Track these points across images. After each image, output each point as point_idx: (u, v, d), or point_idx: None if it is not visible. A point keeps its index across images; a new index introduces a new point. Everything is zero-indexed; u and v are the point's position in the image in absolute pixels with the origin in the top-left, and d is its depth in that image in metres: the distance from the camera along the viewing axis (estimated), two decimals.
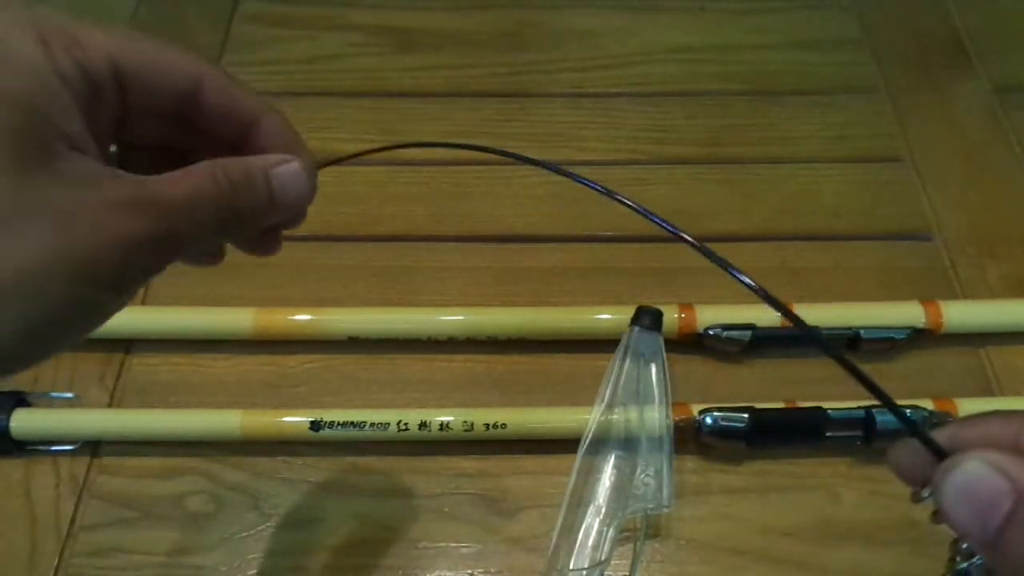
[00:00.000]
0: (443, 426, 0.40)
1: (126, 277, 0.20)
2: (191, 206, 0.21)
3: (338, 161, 0.27)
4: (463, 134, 0.55)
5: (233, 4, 0.62)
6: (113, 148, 0.22)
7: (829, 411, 0.40)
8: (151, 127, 0.22)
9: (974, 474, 0.19)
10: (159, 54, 0.21)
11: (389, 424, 0.40)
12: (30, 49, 0.18)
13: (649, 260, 0.49)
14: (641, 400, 0.39)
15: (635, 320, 0.41)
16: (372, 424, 0.40)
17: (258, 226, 0.24)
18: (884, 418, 0.39)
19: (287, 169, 0.23)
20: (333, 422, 0.40)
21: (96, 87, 0.19)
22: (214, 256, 0.26)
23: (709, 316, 0.43)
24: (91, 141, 0.19)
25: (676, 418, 0.40)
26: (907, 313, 0.44)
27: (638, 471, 0.38)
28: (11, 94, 0.18)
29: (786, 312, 0.20)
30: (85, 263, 0.19)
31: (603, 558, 0.37)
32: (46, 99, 0.18)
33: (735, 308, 0.44)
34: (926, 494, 0.22)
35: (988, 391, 0.44)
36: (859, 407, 0.40)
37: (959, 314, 0.44)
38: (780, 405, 0.41)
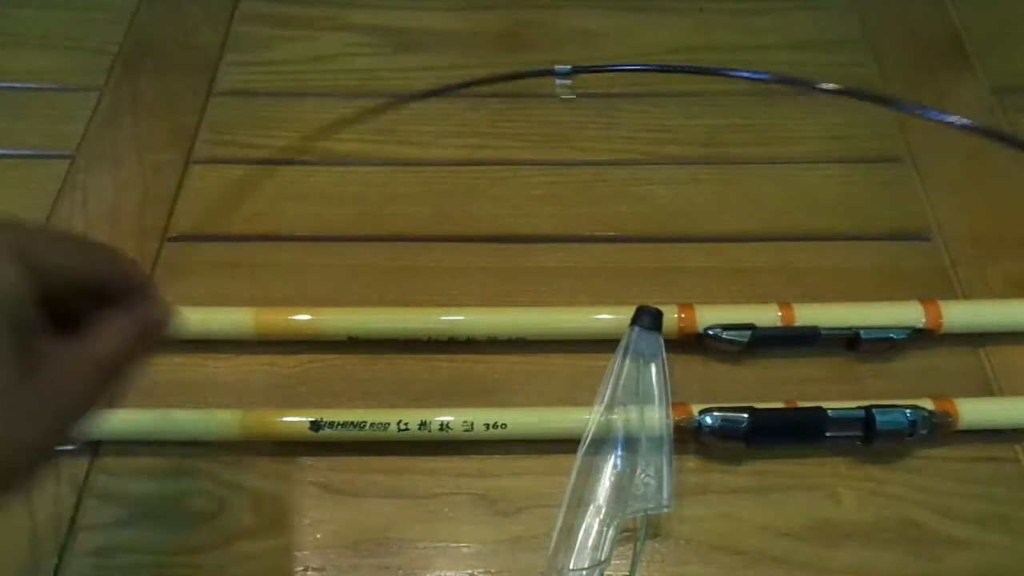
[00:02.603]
0: (443, 426, 0.40)
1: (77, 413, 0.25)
2: (117, 353, 0.26)
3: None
4: (463, 134, 0.55)
5: (233, 4, 0.62)
6: None
7: (829, 411, 0.40)
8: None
9: None
10: (80, 254, 0.26)
11: (389, 424, 0.40)
12: (9, 267, 0.23)
13: (649, 260, 0.49)
14: (641, 400, 0.39)
15: (635, 320, 0.41)
16: (372, 424, 0.40)
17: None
18: (884, 418, 0.39)
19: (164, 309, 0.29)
20: (333, 422, 0.40)
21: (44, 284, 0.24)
22: None
23: (709, 316, 0.43)
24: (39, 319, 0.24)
25: (676, 418, 0.40)
26: (907, 313, 0.44)
27: (638, 471, 0.38)
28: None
29: None
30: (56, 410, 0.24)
31: (603, 558, 0.37)
32: (24, 303, 0.23)
33: (735, 308, 0.44)
34: None
35: (988, 391, 0.44)
36: (859, 407, 0.40)
37: (959, 314, 0.44)
38: (780, 405, 0.41)
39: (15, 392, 0.23)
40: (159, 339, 0.29)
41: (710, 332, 0.43)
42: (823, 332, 0.43)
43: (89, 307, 0.26)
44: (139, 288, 0.28)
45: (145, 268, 0.47)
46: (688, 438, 0.41)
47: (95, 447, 0.41)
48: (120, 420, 0.41)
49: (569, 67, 0.26)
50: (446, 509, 0.40)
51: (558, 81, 0.26)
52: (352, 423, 0.40)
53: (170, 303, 0.29)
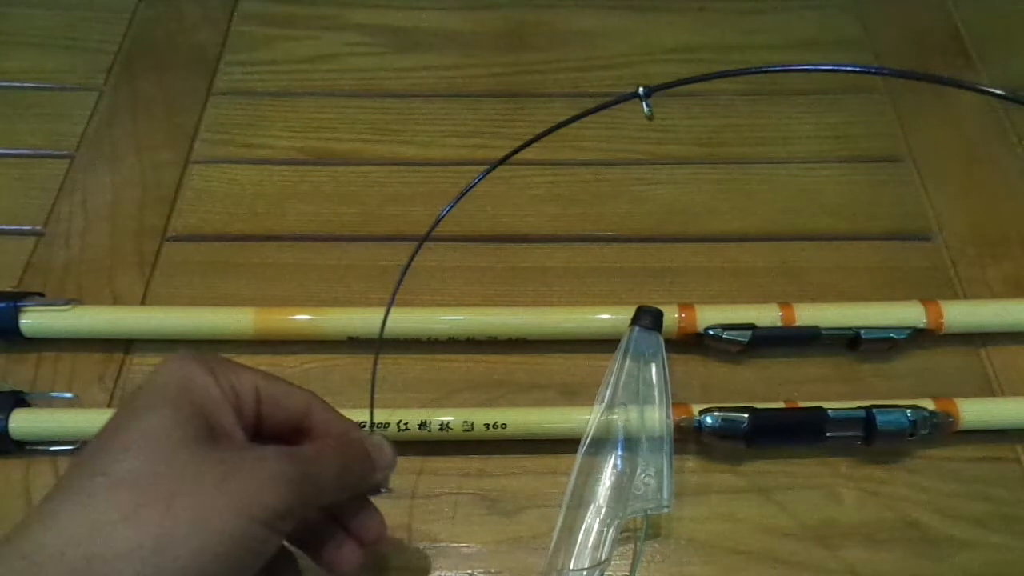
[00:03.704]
0: (443, 426, 0.40)
1: (279, 514, 0.26)
2: (321, 460, 0.28)
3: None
4: (463, 134, 0.55)
5: (233, 4, 0.62)
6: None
7: (829, 411, 0.40)
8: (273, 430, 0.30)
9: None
10: (285, 387, 0.30)
11: (389, 424, 0.39)
12: (204, 379, 0.27)
13: (649, 260, 0.49)
14: (641, 400, 0.39)
15: (635, 320, 0.41)
16: (372, 424, 0.39)
17: (362, 487, 0.31)
18: (884, 418, 0.39)
19: (376, 438, 0.32)
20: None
21: (242, 401, 0.28)
22: None
23: (709, 316, 0.43)
24: (240, 432, 0.28)
25: (676, 418, 0.40)
26: (908, 313, 0.44)
27: (638, 471, 0.38)
28: (193, 404, 0.26)
29: None
30: (248, 503, 0.25)
31: (603, 558, 0.37)
32: (213, 406, 0.27)
33: (735, 308, 0.44)
34: None
35: (988, 391, 0.44)
36: (859, 407, 0.40)
37: (960, 314, 0.44)
38: (780, 405, 0.41)
39: (202, 473, 0.24)
40: (368, 471, 0.30)
41: (710, 332, 0.43)
42: (823, 332, 0.43)
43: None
44: (347, 428, 0.31)
45: (145, 268, 0.47)
46: (688, 438, 0.41)
47: None
48: None
49: (644, 89, 0.26)
50: (446, 509, 0.39)
51: (644, 105, 0.27)
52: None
53: (389, 450, 0.31)
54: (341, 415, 0.31)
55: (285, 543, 0.30)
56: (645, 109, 0.26)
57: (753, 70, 0.28)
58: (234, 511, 0.24)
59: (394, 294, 0.34)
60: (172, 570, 0.23)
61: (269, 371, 0.30)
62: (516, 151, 0.30)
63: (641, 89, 0.26)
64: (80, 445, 0.40)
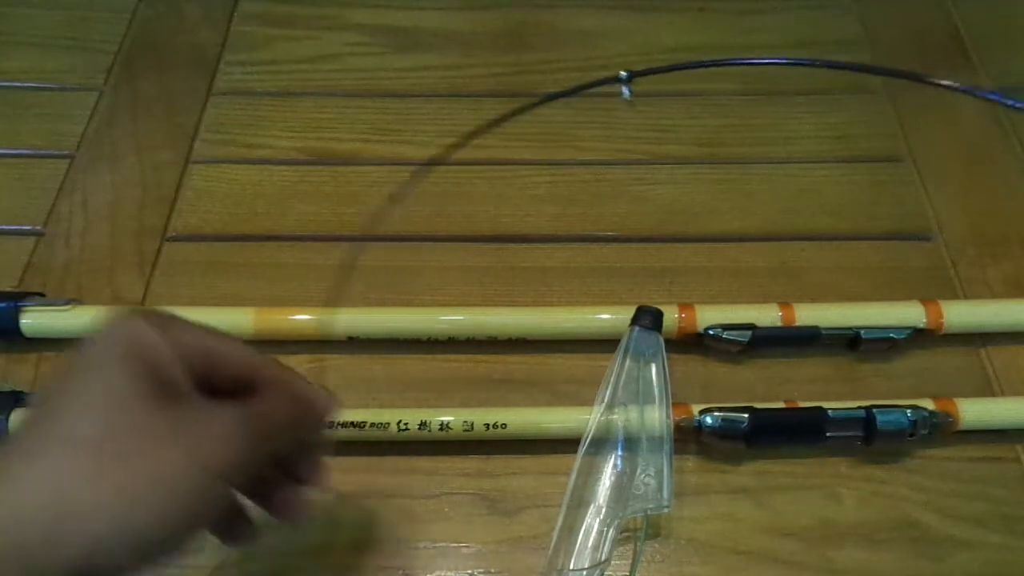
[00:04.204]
0: (443, 426, 0.40)
1: (233, 467, 0.26)
2: (270, 412, 0.29)
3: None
4: (463, 134, 0.54)
5: (233, 4, 0.62)
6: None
7: (829, 411, 0.40)
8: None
9: None
10: (230, 342, 0.29)
11: (389, 424, 0.39)
12: (153, 337, 0.26)
13: (649, 260, 0.49)
14: (641, 400, 0.39)
15: (635, 320, 0.41)
16: (372, 424, 0.39)
17: (307, 436, 0.32)
18: (885, 418, 0.39)
19: (316, 387, 0.31)
20: (333, 422, 0.39)
21: (191, 357, 0.27)
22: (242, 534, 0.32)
23: (709, 316, 0.43)
24: (190, 388, 0.27)
25: (676, 418, 0.40)
26: (908, 313, 0.44)
27: (638, 471, 0.38)
28: (143, 360, 0.26)
29: None
30: (204, 457, 0.25)
31: (603, 558, 0.37)
32: (163, 362, 0.26)
33: (735, 308, 0.44)
34: None
35: (988, 391, 0.44)
36: (859, 407, 0.40)
37: (960, 314, 0.44)
38: (780, 405, 0.41)
39: (157, 430, 0.25)
40: (314, 420, 0.31)
41: (710, 332, 0.43)
42: (823, 332, 0.43)
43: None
44: (290, 377, 0.31)
45: (145, 268, 0.47)
46: (688, 438, 0.40)
47: None
48: None
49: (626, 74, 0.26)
50: (446, 509, 0.39)
51: (624, 89, 0.27)
52: (352, 423, 0.39)
53: (330, 393, 0.31)
54: (286, 368, 0.31)
55: (234, 493, 0.31)
56: (625, 92, 0.26)
57: (736, 61, 0.28)
58: (191, 465, 0.25)
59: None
60: (135, 527, 0.24)
61: None
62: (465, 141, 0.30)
63: (623, 73, 0.27)
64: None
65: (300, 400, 0.30)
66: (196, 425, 0.26)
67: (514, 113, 0.29)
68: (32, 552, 0.22)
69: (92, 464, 0.24)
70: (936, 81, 0.24)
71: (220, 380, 0.29)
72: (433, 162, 0.53)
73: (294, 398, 0.30)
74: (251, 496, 0.31)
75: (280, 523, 0.31)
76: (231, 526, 0.31)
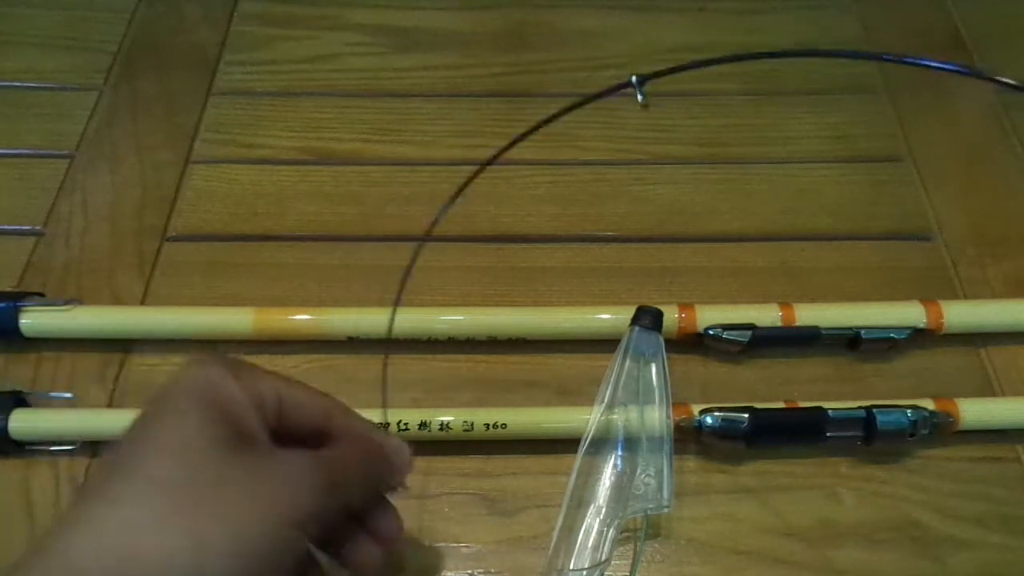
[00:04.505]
0: (443, 426, 0.40)
1: (309, 517, 0.26)
2: (345, 462, 0.29)
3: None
4: (463, 134, 0.55)
5: (233, 4, 0.62)
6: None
7: (829, 411, 0.40)
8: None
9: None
10: (306, 391, 0.30)
11: (389, 424, 0.39)
12: (228, 382, 0.27)
13: (649, 260, 0.49)
14: (641, 400, 0.39)
15: (635, 320, 0.41)
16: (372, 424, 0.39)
17: (383, 487, 0.32)
18: (885, 418, 0.39)
19: (395, 440, 0.32)
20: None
21: (265, 405, 0.28)
22: None
23: (709, 316, 0.43)
24: (264, 436, 0.27)
25: (676, 418, 0.40)
26: (908, 313, 0.44)
27: (638, 471, 0.38)
28: (218, 407, 0.26)
29: None
30: (278, 506, 0.25)
31: (603, 558, 0.37)
32: (238, 409, 0.26)
33: (735, 308, 0.44)
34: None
35: (989, 391, 0.44)
36: (859, 407, 0.40)
37: (960, 314, 0.44)
38: (780, 405, 0.41)
39: (231, 477, 0.25)
40: (387, 469, 0.31)
41: (710, 332, 0.43)
42: (823, 332, 0.43)
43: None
44: (367, 430, 0.31)
45: (145, 268, 0.47)
46: (688, 438, 0.40)
47: (94, 447, 0.41)
48: (119, 421, 0.41)
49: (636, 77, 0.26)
50: (446, 509, 0.39)
51: (639, 93, 0.27)
52: None
53: (406, 451, 0.32)
54: (361, 417, 0.32)
55: (311, 547, 0.30)
56: (640, 98, 0.26)
57: (746, 56, 0.28)
58: (265, 515, 0.24)
59: (399, 296, 0.34)
60: (206, 575, 0.23)
61: (266, 364, 0.30)
62: (515, 143, 0.30)
63: (634, 77, 0.27)
64: (80, 445, 0.40)
65: (373, 448, 0.31)
66: (270, 473, 0.26)
67: (541, 124, 0.30)
68: None
69: (163, 510, 0.23)
70: (930, 63, 0.24)
71: (293, 428, 0.29)
72: (433, 162, 0.53)
73: (367, 446, 0.30)
74: (322, 547, 0.31)
75: (352, 573, 0.31)
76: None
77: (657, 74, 0.27)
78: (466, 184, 0.31)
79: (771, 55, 0.29)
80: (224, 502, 0.24)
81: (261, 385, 0.28)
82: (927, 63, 0.24)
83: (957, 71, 0.22)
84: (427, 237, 0.32)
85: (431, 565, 0.38)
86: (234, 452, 0.25)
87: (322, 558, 0.30)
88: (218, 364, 0.27)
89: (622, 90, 0.28)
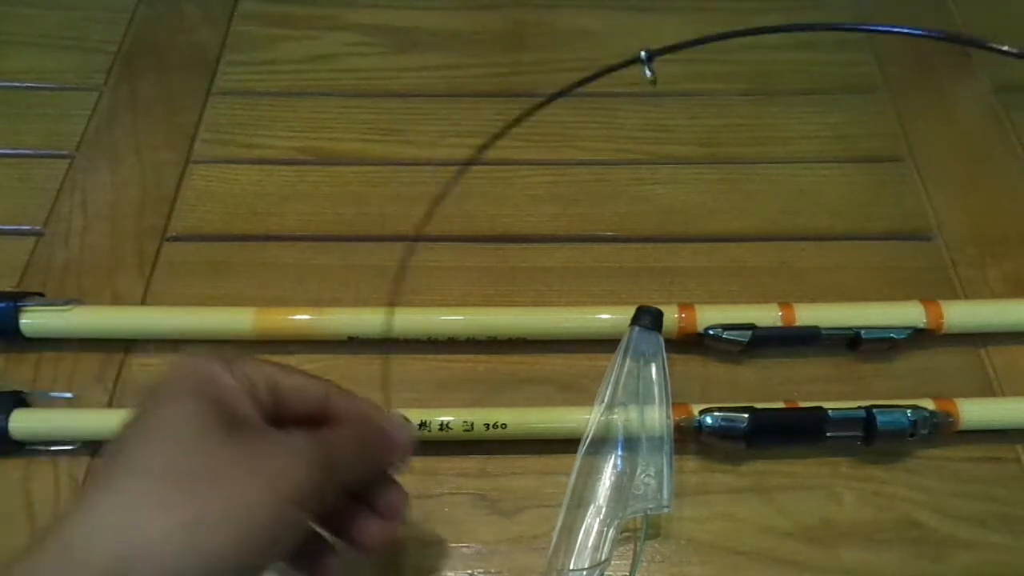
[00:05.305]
0: (443, 426, 0.40)
1: (307, 493, 0.26)
2: (343, 440, 0.29)
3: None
4: (463, 134, 0.54)
5: (233, 4, 0.62)
6: None
7: (829, 411, 0.40)
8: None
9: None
10: (301, 377, 0.30)
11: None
12: (219, 371, 0.27)
13: (649, 260, 0.49)
14: (641, 400, 0.39)
15: (635, 320, 0.41)
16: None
17: (384, 465, 0.32)
18: (885, 418, 0.39)
19: (395, 417, 0.33)
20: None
21: (259, 392, 0.28)
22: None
23: (709, 316, 0.43)
24: (259, 421, 0.28)
25: (676, 418, 0.40)
26: (908, 313, 0.44)
27: (638, 471, 0.38)
28: (211, 395, 0.27)
29: None
30: (276, 483, 0.25)
31: (603, 558, 0.37)
32: (231, 396, 0.27)
33: (735, 308, 0.44)
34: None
35: (989, 391, 0.44)
36: (859, 407, 0.40)
37: (960, 314, 0.44)
38: (780, 405, 0.41)
39: (228, 458, 0.25)
40: (388, 448, 0.31)
41: (710, 332, 0.43)
42: (823, 332, 0.43)
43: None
44: (366, 408, 0.31)
45: (145, 268, 0.47)
46: (688, 438, 0.40)
47: (94, 447, 0.41)
48: (119, 421, 0.41)
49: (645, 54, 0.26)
50: (446, 509, 0.39)
51: (647, 70, 0.27)
52: None
53: (406, 420, 0.32)
54: (360, 398, 0.32)
55: (314, 525, 0.31)
56: (648, 73, 0.26)
57: (751, 31, 0.27)
58: (263, 492, 0.25)
59: (392, 296, 0.34)
60: (207, 553, 0.23)
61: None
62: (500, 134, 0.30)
63: (643, 52, 0.27)
64: (80, 445, 0.40)
65: (372, 428, 0.31)
66: (267, 453, 0.26)
67: (526, 113, 0.30)
68: None
69: (162, 492, 0.24)
70: (914, 32, 0.24)
71: (291, 413, 0.29)
72: (433, 162, 0.53)
73: (366, 426, 0.31)
74: (326, 526, 0.31)
75: (358, 552, 0.31)
76: (314, 560, 0.31)
77: (665, 49, 0.27)
78: (454, 182, 0.32)
79: (761, 31, 0.29)
80: (220, 482, 0.24)
81: (253, 373, 0.28)
82: (913, 32, 0.23)
83: (943, 38, 0.22)
84: (418, 237, 0.32)
85: (431, 565, 0.38)
86: (229, 436, 0.26)
87: (328, 536, 0.31)
88: (208, 356, 0.28)
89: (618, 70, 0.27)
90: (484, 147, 0.31)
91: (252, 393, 0.28)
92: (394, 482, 0.32)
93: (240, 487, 0.25)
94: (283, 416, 0.29)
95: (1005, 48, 0.22)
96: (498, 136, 0.31)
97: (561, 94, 0.29)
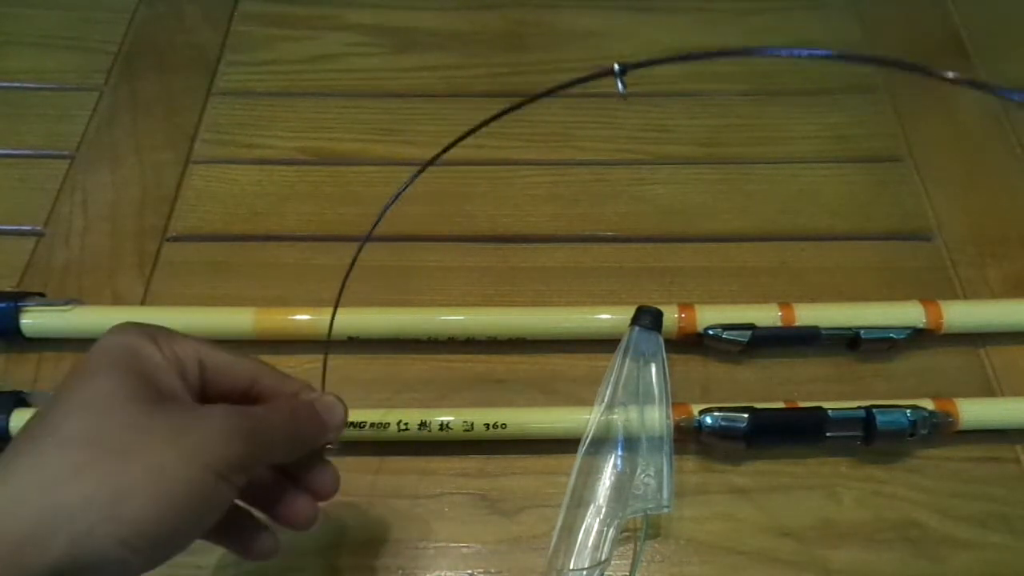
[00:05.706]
0: (443, 426, 0.40)
1: (231, 466, 0.26)
2: (270, 417, 0.29)
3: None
4: (458, 133, 0.54)
5: (233, 4, 0.62)
6: None
7: (829, 411, 0.40)
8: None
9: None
10: (228, 356, 0.30)
11: (389, 424, 0.39)
12: (146, 346, 0.27)
13: (649, 260, 0.49)
14: (641, 400, 0.39)
15: (635, 320, 0.41)
16: (372, 424, 0.40)
17: (313, 444, 0.31)
18: (885, 418, 0.39)
19: (328, 398, 0.32)
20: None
21: (186, 368, 0.28)
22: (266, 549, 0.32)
23: (709, 316, 0.43)
24: (186, 395, 0.28)
25: (676, 418, 0.40)
26: (907, 313, 0.44)
27: (638, 471, 0.38)
28: (137, 368, 0.27)
29: None
30: (199, 453, 0.25)
31: (603, 558, 0.37)
32: (157, 371, 0.27)
33: (735, 308, 0.44)
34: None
35: (988, 391, 0.44)
36: (859, 407, 0.40)
37: (960, 314, 0.44)
38: (780, 405, 0.41)
39: (150, 428, 0.25)
40: (317, 428, 0.31)
41: (710, 332, 0.43)
42: (823, 332, 0.43)
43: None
44: (296, 389, 0.31)
45: (145, 268, 0.47)
46: (688, 438, 0.41)
47: None
48: None
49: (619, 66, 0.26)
50: (446, 509, 0.39)
51: (619, 83, 0.27)
52: (352, 423, 0.39)
53: (338, 401, 0.32)
54: (291, 377, 0.32)
55: (243, 503, 0.31)
56: (620, 87, 0.26)
57: (731, 52, 0.27)
58: (186, 461, 0.25)
59: (340, 293, 0.35)
60: (127, 520, 0.24)
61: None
62: (451, 146, 0.30)
63: (616, 66, 0.27)
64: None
65: (303, 406, 0.31)
66: (190, 423, 0.26)
67: (503, 112, 0.29)
68: (19, 545, 0.23)
69: (82, 459, 0.24)
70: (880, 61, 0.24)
71: (220, 390, 0.29)
72: (433, 162, 0.53)
73: (296, 404, 0.30)
74: (256, 504, 0.31)
75: (288, 529, 0.32)
76: (243, 537, 0.31)
77: (639, 64, 0.27)
78: (411, 181, 0.32)
79: (760, 52, 0.29)
80: (143, 450, 0.25)
81: (180, 348, 0.28)
82: (843, 56, 0.23)
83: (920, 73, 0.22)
84: (368, 237, 0.33)
85: (431, 565, 0.38)
86: (153, 407, 0.26)
87: (258, 514, 0.31)
88: (135, 329, 0.28)
89: (602, 78, 0.27)
90: (435, 158, 0.31)
91: (179, 368, 0.28)
92: (325, 461, 0.33)
93: (161, 456, 0.25)
94: (211, 394, 0.29)
95: (950, 75, 0.22)
96: (457, 141, 0.31)
97: (525, 102, 0.29)
